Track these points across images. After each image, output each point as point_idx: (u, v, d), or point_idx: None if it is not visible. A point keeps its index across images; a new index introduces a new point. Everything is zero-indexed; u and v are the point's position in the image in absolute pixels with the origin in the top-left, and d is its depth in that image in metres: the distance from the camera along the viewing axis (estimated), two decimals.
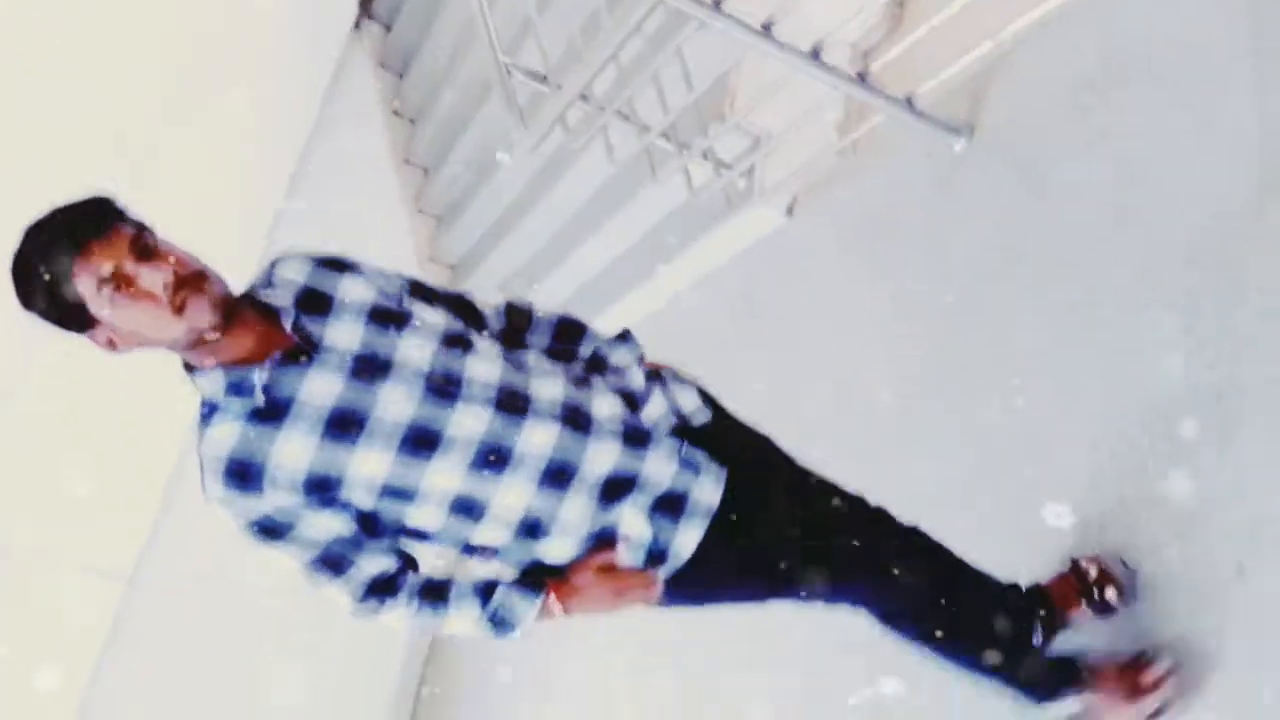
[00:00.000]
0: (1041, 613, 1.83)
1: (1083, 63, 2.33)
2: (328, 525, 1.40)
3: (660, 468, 1.49)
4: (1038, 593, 1.87)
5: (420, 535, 1.48)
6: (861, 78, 2.35)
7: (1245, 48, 1.99)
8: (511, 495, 1.42)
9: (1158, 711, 1.66)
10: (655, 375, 1.61)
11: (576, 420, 1.45)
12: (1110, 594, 1.81)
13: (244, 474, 1.36)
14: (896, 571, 1.60)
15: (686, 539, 1.50)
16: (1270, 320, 1.77)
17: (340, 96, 4.89)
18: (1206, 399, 1.81)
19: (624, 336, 1.68)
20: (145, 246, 1.32)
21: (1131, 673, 1.68)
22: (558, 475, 1.43)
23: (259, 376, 1.37)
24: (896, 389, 2.58)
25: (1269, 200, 1.84)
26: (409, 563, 1.49)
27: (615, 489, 1.46)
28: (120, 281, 1.30)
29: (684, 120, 2.79)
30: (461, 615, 1.46)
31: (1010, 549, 1.81)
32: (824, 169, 3.05)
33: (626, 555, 1.48)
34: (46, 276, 1.29)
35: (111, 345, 1.37)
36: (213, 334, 1.35)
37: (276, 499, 1.37)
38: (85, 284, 1.29)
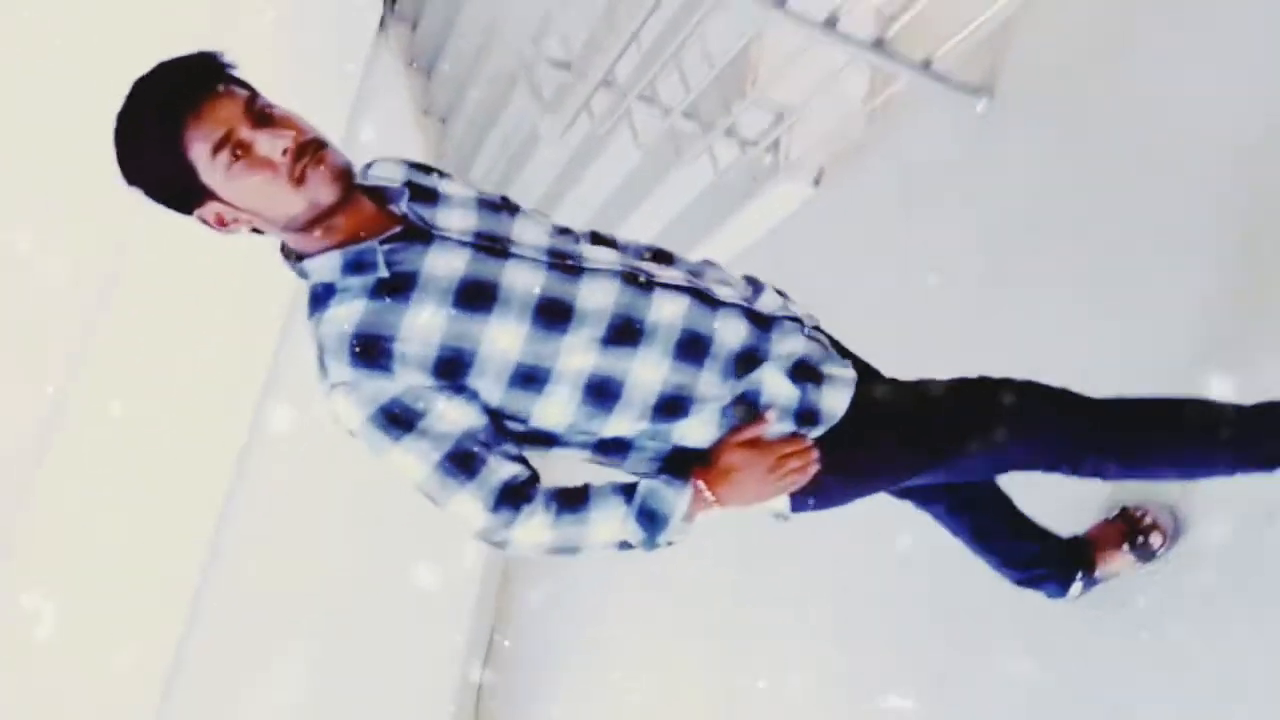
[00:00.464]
0: (1080, 572, 1.87)
1: (1101, 5, 2.34)
2: (459, 416, 1.27)
3: (789, 344, 1.40)
4: (1079, 544, 1.90)
5: (546, 439, 1.36)
6: (879, 44, 2.37)
7: None
8: (648, 370, 1.32)
9: None
10: (758, 284, 1.56)
11: (701, 295, 1.37)
12: (1155, 539, 1.83)
13: (373, 349, 1.23)
14: (1048, 411, 1.47)
15: (836, 399, 1.39)
16: None
17: (370, 97, 4.96)
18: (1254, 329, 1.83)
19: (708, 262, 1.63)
20: (260, 110, 1.22)
21: None
22: (691, 346, 1.34)
23: (380, 251, 1.27)
24: (932, 353, 2.60)
25: None
26: (535, 475, 1.36)
27: (748, 363, 1.37)
28: (236, 147, 1.20)
29: (707, 99, 2.83)
30: (606, 516, 1.31)
31: (1058, 499, 1.83)
32: (851, 137, 3.07)
33: (775, 423, 1.36)
34: (154, 142, 1.19)
35: (221, 223, 1.26)
36: (329, 212, 1.26)
37: (408, 378, 1.24)
38: (198, 150, 1.19)
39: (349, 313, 1.24)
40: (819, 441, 1.37)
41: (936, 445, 1.44)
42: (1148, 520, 1.85)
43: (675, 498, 1.32)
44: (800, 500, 1.40)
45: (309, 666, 4.38)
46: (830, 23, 2.30)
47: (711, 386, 1.35)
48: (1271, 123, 1.90)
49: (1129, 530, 1.86)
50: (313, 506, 4.34)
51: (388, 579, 4.45)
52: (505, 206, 1.40)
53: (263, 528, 4.38)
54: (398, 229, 1.29)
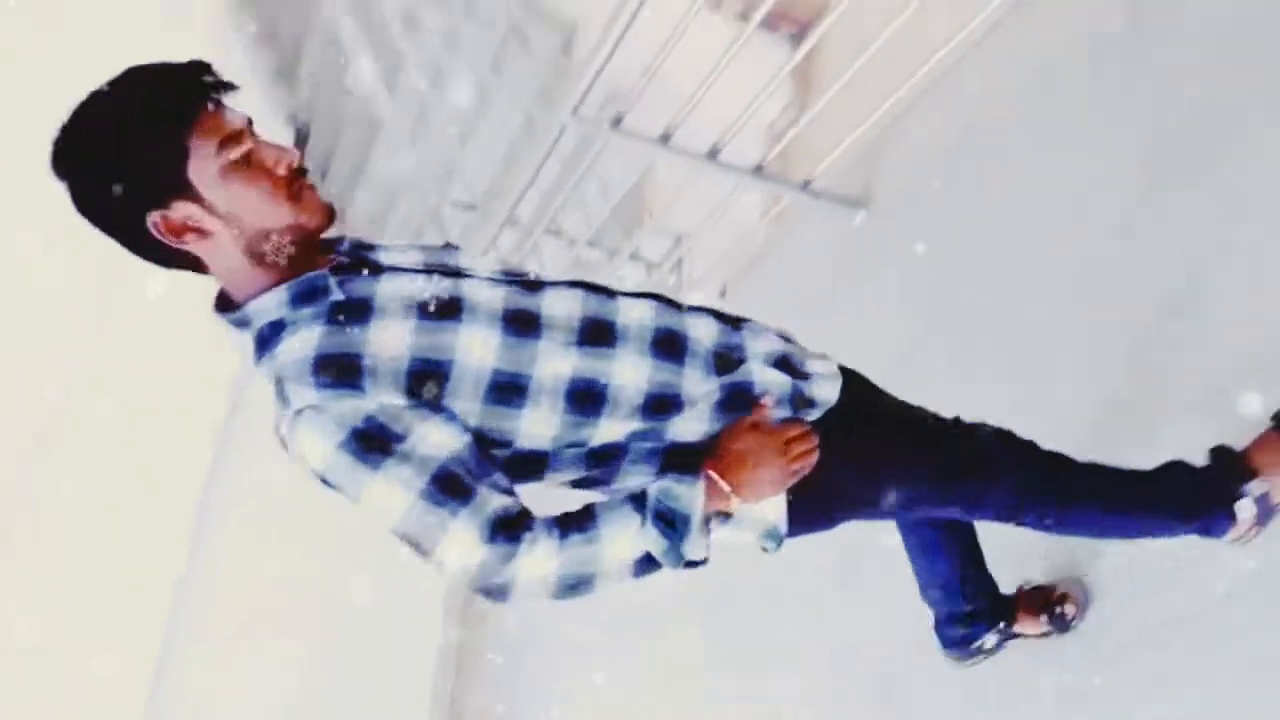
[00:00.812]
0: (1002, 624, 1.93)
1: (961, 117, 2.57)
2: (441, 438, 1.14)
3: (764, 342, 1.37)
4: (1006, 600, 1.98)
5: (535, 461, 1.25)
6: (759, 170, 2.55)
7: (1084, 74, 2.23)
8: (628, 370, 1.24)
9: None
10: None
11: (666, 300, 1.34)
12: (1069, 609, 1.93)
13: (339, 367, 1.12)
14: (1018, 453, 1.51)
15: (825, 390, 1.36)
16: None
17: None
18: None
19: None
20: (255, 132, 1.17)
21: None
22: (669, 344, 1.28)
23: (331, 278, 1.18)
24: None
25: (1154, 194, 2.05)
26: (528, 510, 1.23)
27: (726, 361, 1.32)
28: (243, 147, 1.14)
29: (610, 229, 2.99)
30: (619, 529, 1.18)
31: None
32: (751, 251, 3.25)
33: (773, 410, 1.30)
34: (156, 120, 1.10)
35: (176, 232, 1.14)
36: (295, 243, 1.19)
37: (381, 396, 1.12)
38: (202, 140, 1.11)
39: (305, 340, 1.14)
40: (815, 428, 1.32)
41: (927, 446, 1.43)
42: (1059, 592, 1.96)
43: (690, 493, 1.21)
44: (798, 507, 1.33)
45: (291, 672, 4.27)
46: (713, 153, 2.47)
47: (696, 384, 1.28)
48: (1116, 220, 2.11)
49: (1044, 602, 1.97)
50: (296, 513, 4.28)
51: (367, 584, 4.35)
52: (448, 247, 1.36)
53: (245, 533, 4.32)
54: (345, 261, 1.23)
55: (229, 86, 1.16)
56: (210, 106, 1.12)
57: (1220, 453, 1.64)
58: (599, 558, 1.17)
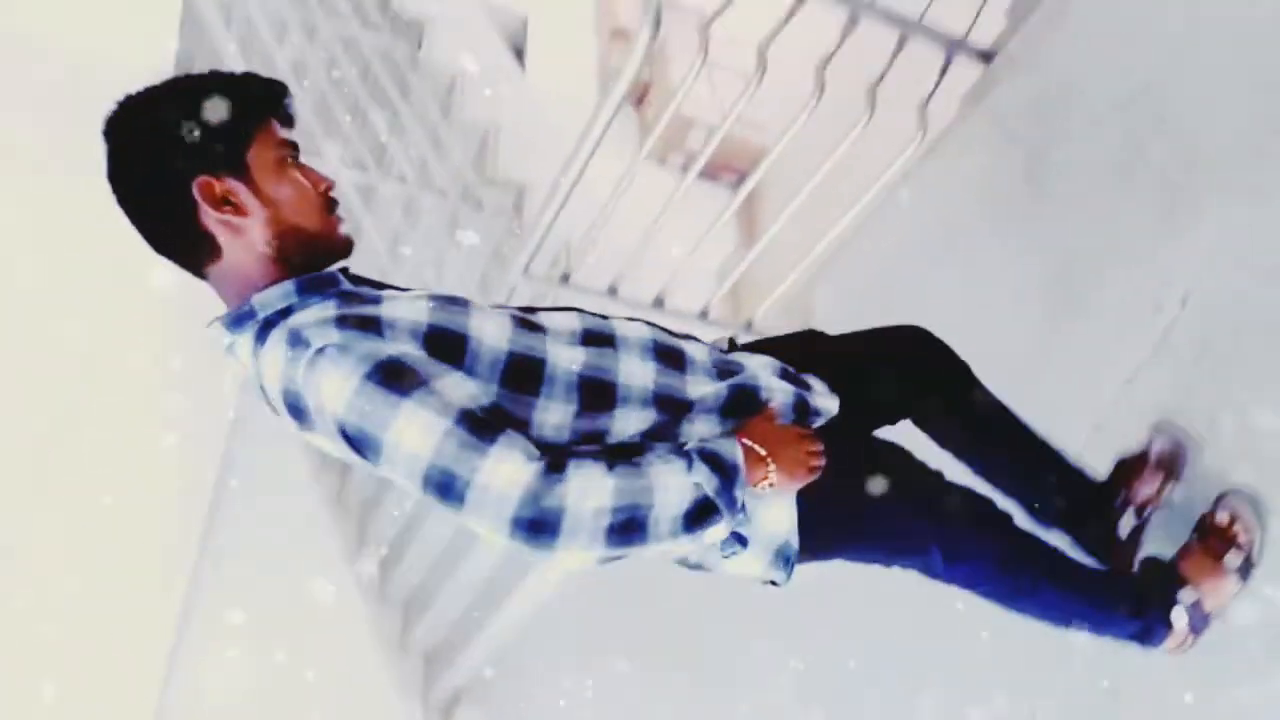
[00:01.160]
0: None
1: (884, 258, 2.73)
2: (467, 390, 1.15)
3: (760, 358, 1.43)
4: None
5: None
6: (704, 314, 2.68)
7: (990, 209, 2.39)
8: (634, 367, 1.28)
9: (1248, 560, 1.66)
10: None
11: (657, 326, 1.40)
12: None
13: (359, 320, 1.14)
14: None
15: (827, 401, 1.41)
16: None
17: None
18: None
19: None
20: None
21: (1211, 537, 1.70)
22: (667, 355, 1.33)
23: (338, 273, 1.26)
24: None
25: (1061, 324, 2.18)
26: None
27: (728, 374, 1.36)
28: (296, 157, 1.26)
29: None
30: (668, 468, 1.15)
31: None
32: None
33: (780, 415, 1.34)
34: (240, 98, 1.21)
35: (215, 204, 1.20)
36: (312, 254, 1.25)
37: (402, 345, 1.14)
38: (268, 135, 1.23)
39: (320, 311, 1.16)
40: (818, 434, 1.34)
41: (918, 477, 1.51)
42: None
43: (732, 449, 1.21)
44: (800, 522, 1.34)
45: (286, 674, 4.13)
46: (658, 302, 2.61)
47: (701, 387, 1.32)
48: (1033, 348, 2.24)
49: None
50: (292, 514, 4.18)
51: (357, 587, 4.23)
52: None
53: (241, 534, 4.29)
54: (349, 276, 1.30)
55: (294, 121, 1.29)
56: (294, 114, 1.27)
57: (1150, 564, 1.73)
58: (651, 491, 1.13)
